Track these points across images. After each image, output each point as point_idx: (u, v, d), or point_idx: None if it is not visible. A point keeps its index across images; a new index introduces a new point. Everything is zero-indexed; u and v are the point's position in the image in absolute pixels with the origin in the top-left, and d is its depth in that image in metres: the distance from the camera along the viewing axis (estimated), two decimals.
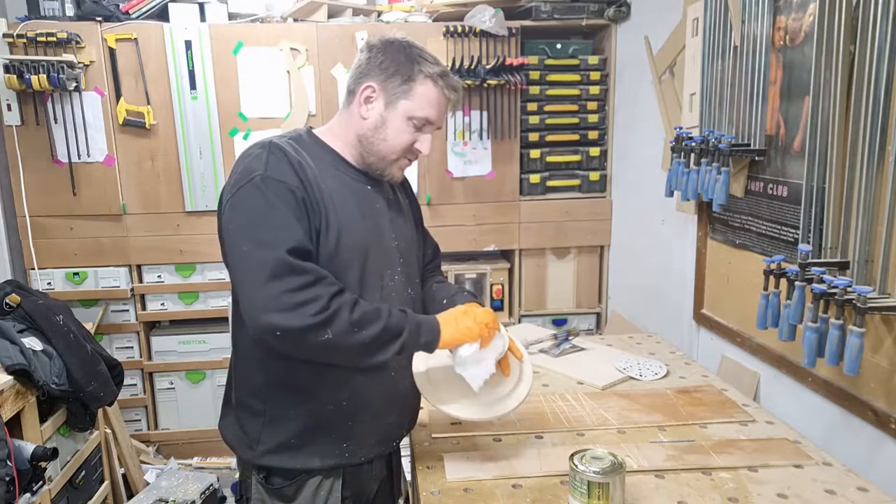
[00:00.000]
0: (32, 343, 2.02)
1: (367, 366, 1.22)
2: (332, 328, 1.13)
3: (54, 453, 1.92)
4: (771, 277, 1.57)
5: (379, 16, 2.88)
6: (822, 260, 1.47)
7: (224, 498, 2.71)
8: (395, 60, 1.27)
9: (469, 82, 2.76)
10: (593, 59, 2.95)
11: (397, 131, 1.29)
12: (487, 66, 2.76)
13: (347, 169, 1.33)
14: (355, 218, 1.28)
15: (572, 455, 1.22)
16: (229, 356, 1.39)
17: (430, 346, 1.25)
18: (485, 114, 2.89)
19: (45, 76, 2.51)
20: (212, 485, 2.54)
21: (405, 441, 1.51)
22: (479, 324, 1.27)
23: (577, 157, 3.01)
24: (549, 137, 2.98)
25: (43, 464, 1.89)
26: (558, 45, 2.94)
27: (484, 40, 2.82)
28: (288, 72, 2.76)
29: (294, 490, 1.30)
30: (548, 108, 2.95)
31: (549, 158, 2.99)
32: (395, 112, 1.28)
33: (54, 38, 2.54)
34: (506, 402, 1.35)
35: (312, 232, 1.21)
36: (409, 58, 1.27)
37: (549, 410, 1.68)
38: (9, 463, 1.71)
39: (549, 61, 2.92)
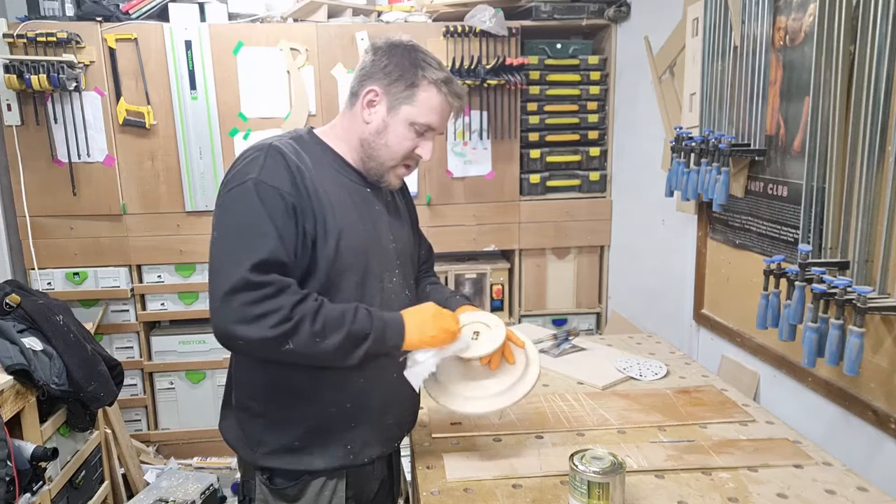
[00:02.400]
0: (32, 343, 2.02)
1: (338, 367, 1.23)
2: (293, 340, 1.14)
3: (54, 453, 1.92)
4: (771, 277, 1.57)
5: (379, 16, 2.88)
6: (822, 260, 1.47)
7: (224, 498, 2.71)
8: (399, 65, 1.27)
9: (469, 82, 2.76)
10: (593, 59, 2.95)
11: (399, 137, 1.29)
12: (487, 66, 2.76)
13: (348, 171, 1.33)
14: (354, 221, 1.28)
15: (572, 455, 1.22)
16: (229, 356, 1.39)
17: (396, 349, 1.26)
18: (485, 114, 2.89)
19: (45, 76, 2.51)
20: (212, 485, 2.54)
21: (405, 441, 1.51)
22: (444, 331, 1.26)
23: (577, 157, 3.01)
24: (549, 137, 2.98)
25: (43, 464, 1.89)
26: (558, 45, 2.94)
27: (484, 40, 2.82)
28: (288, 72, 2.76)
29: (298, 491, 1.30)
30: (548, 108, 2.95)
31: (549, 158, 2.98)
32: (398, 117, 1.28)
33: (54, 38, 2.54)
34: (518, 388, 1.35)
35: (299, 238, 1.20)
36: (413, 63, 1.27)
37: (549, 410, 1.68)
38: (9, 463, 1.71)
39: (549, 61, 2.92)
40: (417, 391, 1.32)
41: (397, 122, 1.28)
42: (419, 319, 1.26)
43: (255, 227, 1.16)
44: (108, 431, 2.55)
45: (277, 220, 1.17)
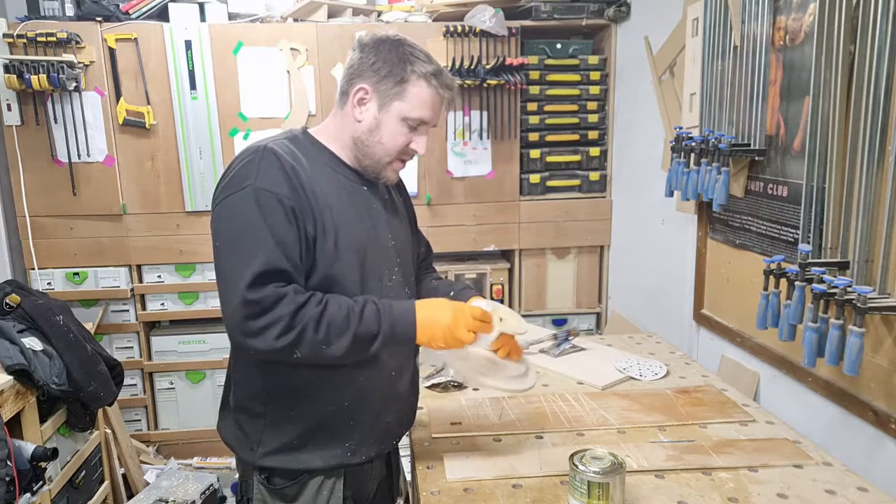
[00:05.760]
0: (32, 343, 2.02)
1: (351, 363, 1.25)
2: (299, 349, 1.15)
3: (54, 453, 1.92)
4: (771, 277, 1.57)
5: (379, 16, 2.88)
6: (822, 260, 1.47)
7: (224, 498, 2.71)
8: (387, 61, 1.26)
9: (469, 82, 2.76)
10: (593, 59, 2.95)
11: (392, 133, 1.28)
12: (487, 66, 2.76)
13: (344, 170, 1.33)
14: (353, 219, 1.28)
15: (572, 455, 1.22)
16: (229, 356, 1.39)
17: (409, 343, 1.24)
18: (485, 114, 2.89)
19: (45, 76, 2.51)
20: (212, 485, 2.54)
21: (405, 441, 1.51)
22: (455, 340, 1.23)
23: (576, 157, 3.01)
24: (549, 137, 2.98)
25: (43, 464, 1.89)
26: (558, 45, 2.94)
27: (484, 40, 2.82)
28: (288, 72, 2.76)
29: (296, 490, 1.30)
30: (548, 108, 2.94)
31: (549, 158, 2.98)
32: (389, 114, 1.27)
33: (54, 38, 2.54)
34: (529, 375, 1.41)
35: (301, 241, 1.20)
36: (401, 58, 1.26)
37: (549, 410, 1.68)
38: (9, 463, 1.71)
39: (549, 61, 2.92)
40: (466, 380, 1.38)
41: (389, 118, 1.27)
42: (431, 321, 1.22)
43: (252, 237, 1.16)
44: (108, 431, 2.55)
45: (276, 227, 1.17)
